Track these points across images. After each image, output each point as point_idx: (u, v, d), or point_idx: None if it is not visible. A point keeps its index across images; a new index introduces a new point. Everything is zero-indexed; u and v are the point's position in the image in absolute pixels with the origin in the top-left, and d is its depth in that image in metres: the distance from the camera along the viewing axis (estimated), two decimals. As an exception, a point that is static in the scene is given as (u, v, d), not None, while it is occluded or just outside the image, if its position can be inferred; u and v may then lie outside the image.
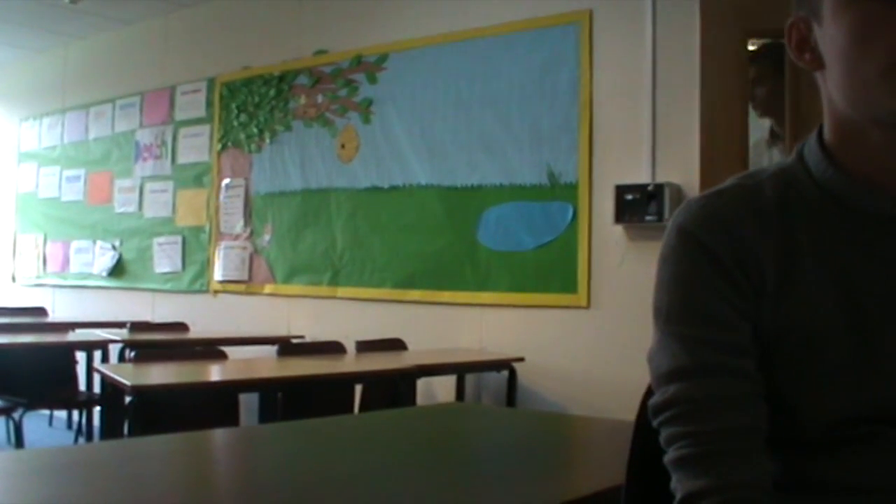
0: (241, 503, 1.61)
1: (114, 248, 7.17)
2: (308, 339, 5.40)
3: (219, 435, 2.36)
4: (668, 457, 1.04)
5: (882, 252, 1.06)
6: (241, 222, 6.22)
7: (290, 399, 3.76)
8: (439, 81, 5.17)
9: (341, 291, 5.59)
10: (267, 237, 6.05)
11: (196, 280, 6.51)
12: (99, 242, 7.32)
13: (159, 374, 3.73)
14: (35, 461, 1.91)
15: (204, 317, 6.27)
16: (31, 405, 5.12)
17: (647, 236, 4.31)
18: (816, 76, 1.11)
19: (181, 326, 5.94)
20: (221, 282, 6.31)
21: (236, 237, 6.25)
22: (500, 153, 4.87)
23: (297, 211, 5.87)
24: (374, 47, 5.51)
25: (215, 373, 3.90)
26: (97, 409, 5.28)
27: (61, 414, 6.68)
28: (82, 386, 5.64)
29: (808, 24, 1.09)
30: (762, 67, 3.36)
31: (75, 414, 6.30)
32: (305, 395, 3.77)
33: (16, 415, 4.92)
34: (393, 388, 4.09)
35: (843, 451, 1.06)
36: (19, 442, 4.93)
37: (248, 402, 4.14)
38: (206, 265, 6.44)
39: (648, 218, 4.23)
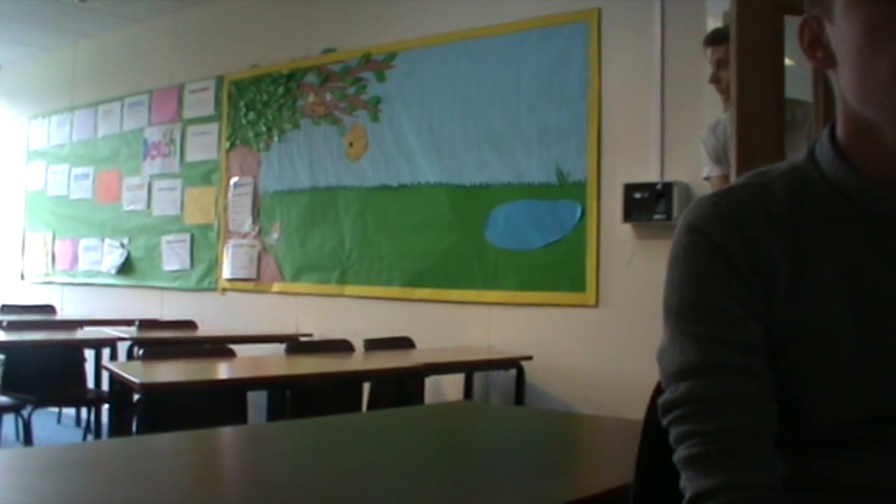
0: (249, 501, 1.61)
1: (122, 245, 7.18)
2: (316, 338, 5.40)
3: (227, 433, 2.36)
4: (678, 455, 1.04)
5: (893, 252, 1.05)
6: (250, 220, 6.22)
7: (298, 397, 3.76)
8: (448, 80, 5.17)
9: (349, 290, 5.59)
10: (275, 235, 6.05)
11: (204, 278, 6.52)
12: (107, 240, 7.33)
13: (168, 371, 3.74)
14: (44, 459, 1.91)
15: (212, 315, 6.28)
16: (40, 403, 5.13)
17: (656, 235, 4.30)
18: (829, 75, 1.10)
19: (189, 324, 5.94)
20: (230, 280, 6.32)
21: (244, 235, 6.25)
22: (509, 152, 4.86)
23: (306, 209, 5.87)
24: (382, 46, 5.51)
25: (223, 371, 3.91)
26: (106, 406, 5.29)
27: (70, 411, 6.69)
28: (91, 383, 5.65)
29: (819, 23, 1.08)
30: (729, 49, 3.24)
31: (84, 411, 6.31)
32: (313, 393, 3.77)
33: (25, 412, 4.93)
34: (401, 387, 4.09)
35: (853, 452, 1.06)
36: (28, 439, 4.94)
37: (257, 400, 4.15)
38: (215, 263, 6.45)
39: (657, 217, 4.22)
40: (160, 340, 5.30)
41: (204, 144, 6.63)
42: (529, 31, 4.83)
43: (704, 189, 3.69)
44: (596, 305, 4.52)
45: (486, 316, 4.95)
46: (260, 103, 6.22)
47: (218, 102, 6.54)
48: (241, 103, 6.35)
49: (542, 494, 1.70)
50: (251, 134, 6.27)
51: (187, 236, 6.67)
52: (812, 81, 2.64)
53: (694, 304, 1.08)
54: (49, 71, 8.21)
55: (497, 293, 4.90)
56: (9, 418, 5.32)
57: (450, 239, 5.10)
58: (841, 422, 1.06)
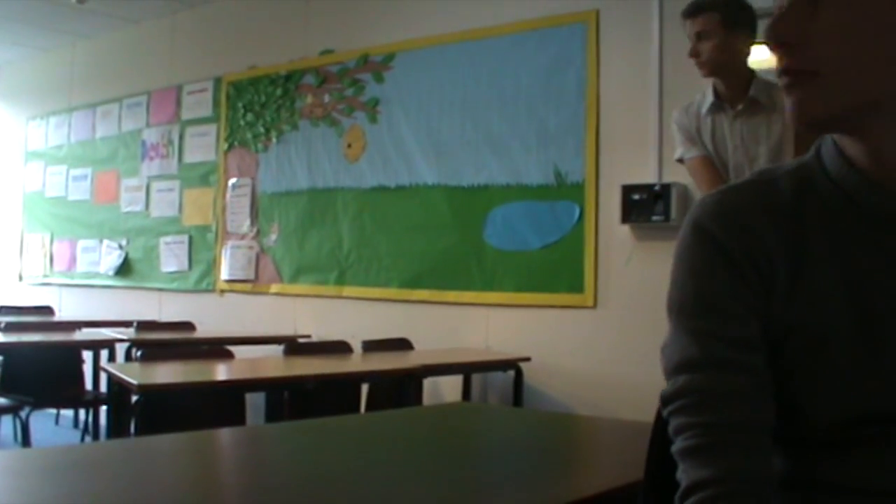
0: (247, 502, 1.61)
1: (120, 247, 7.18)
2: (314, 339, 5.40)
3: (225, 434, 2.36)
4: (675, 447, 1.05)
5: (892, 252, 1.05)
6: (248, 222, 6.22)
7: (296, 398, 3.76)
8: (446, 81, 5.17)
9: (347, 291, 5.59)
10: (273, 236, 6.05)
11: (202, 279, 6.52)
12: (105, 241, 7.33)
13: (166, 373, 3.73)
14: (42, 460, 1.91)
15: (210, 316, 6.28)
16: (38, 404, 5.13)
17: (654, 236, 4.30)
18: None
19: (187, 326, 5.94)
20: (228, 281, 6.32)
21: (243, 236, 6.25)
22: (507, 153, 4.87)
23: (304, 210, 5.87)
24: (380, 47, 5.51)
25: (222, 372, 3.90)
26: (104, 408, 5.28)
27: (68, 413, 6.69)
28: (89, 385, 5.65)
29: None
30: (707, 20, 3.15)
31: (82, 413, 6.31)
32: (312, 394, 3.76)
33: (23, 413, 4.94)
34: (399, 388, 4.09)
35: (854, 453, 1.06)
36: (26, 440, 4.94)
37: (255, 402, 4.15)
38: (213, 264, 6.45)
39: (655, 218, 4.22)
40: (158, 342, 5.30)
41: (202, 145, 6.62)
42: (527, 33, 4.83)
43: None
44: (594, 306, 4.52)
45: (485, 317, 4.95)
46: (258, 104, 6.22)
47: (216, 104, 6.54)
48: (240, 104, 6.35)
49: (541, 495, 1.70)
50: (249, 135, 6.27)
51: (185, 237, 6.66)
52: None
53: (695, 299, 1.09)
54: (47, 72, 8.21)
55: (495, 294, 4.90)
56: (7, 419, 5.32)
57: (448, 240, 5.10)
58: (839, 421, 1.06)
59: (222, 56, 6.51)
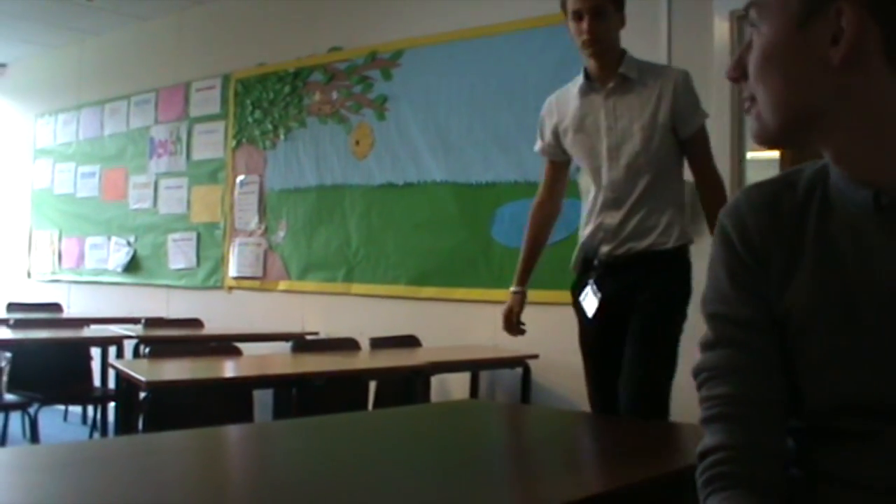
0: (255, 499, 1.61)
1: (128, 244, 7.19)
2: (322, 336, 5.40)
3: (233, 431, 2.36)
4: (700, 416, 1.18)
5: (869, 242, 1.09)
6: (256, 219, 6.23)
7: (304, 395, 3.76)
8: (454, 78, 5.16)
9: (355, 288, 5.59)
10: (281, 234, 6.06)
11: (210, 276, 6.52)
12: (114, 238, 7.34)
13: (174, 370, 3.74)
14: (50, 456, 1.91)
15: (218, 313, 6.29)
16: (47, 400, 5.14)
17: (663, 233, 4.28)
18: None
19: (196, 323, 5.95)
20: (236, 278, 6.32)
21: (251, 234, 6.26)
22: (515, 150, 4.86)
23: (312, 207, 5.87)
24: (388, 44, 5.50)
25: (229, 369, 3.91)
26: (112, 404, 5.29)
27: (76, 409, 6.71)
28: (97, 381, 5.66)
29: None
30: None
31: (90, 409, 6.33)
32: (319, 391, 3.77)
33: (31, 410, 4.95)
34: (407, 385, 4.09)
35: (848, 446, 1.10)
36: (34, 437, 4.95)
37: (263, 399, 4.15)
38: (221, 261, 6.45)
39: (663, 215, 4.19)
40: (166, 339, 5.31)
41: (210, 143, 6.63)
42: (536, 30, 4.82)
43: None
44: (602, 304, 4.50)
45: (492, 314, 4.92)
46: (266, 102, 6.23)
47: (224, 101, 6.55)
48: (248, 101, 6.35)
49: (548, 493, 1.70)
50: (257, 132, 6.27)
51: (193, 234, 6.67)
52: None
53: (710, 288, 1.22)
54: (55, 69, 8.22)
55: (503, 291, 4.84)
56: (15, 416, 5.33)
57: (456, 237, 5.09)
58: (825, 409, 1.12)
59: (230, 53, 6.52)
